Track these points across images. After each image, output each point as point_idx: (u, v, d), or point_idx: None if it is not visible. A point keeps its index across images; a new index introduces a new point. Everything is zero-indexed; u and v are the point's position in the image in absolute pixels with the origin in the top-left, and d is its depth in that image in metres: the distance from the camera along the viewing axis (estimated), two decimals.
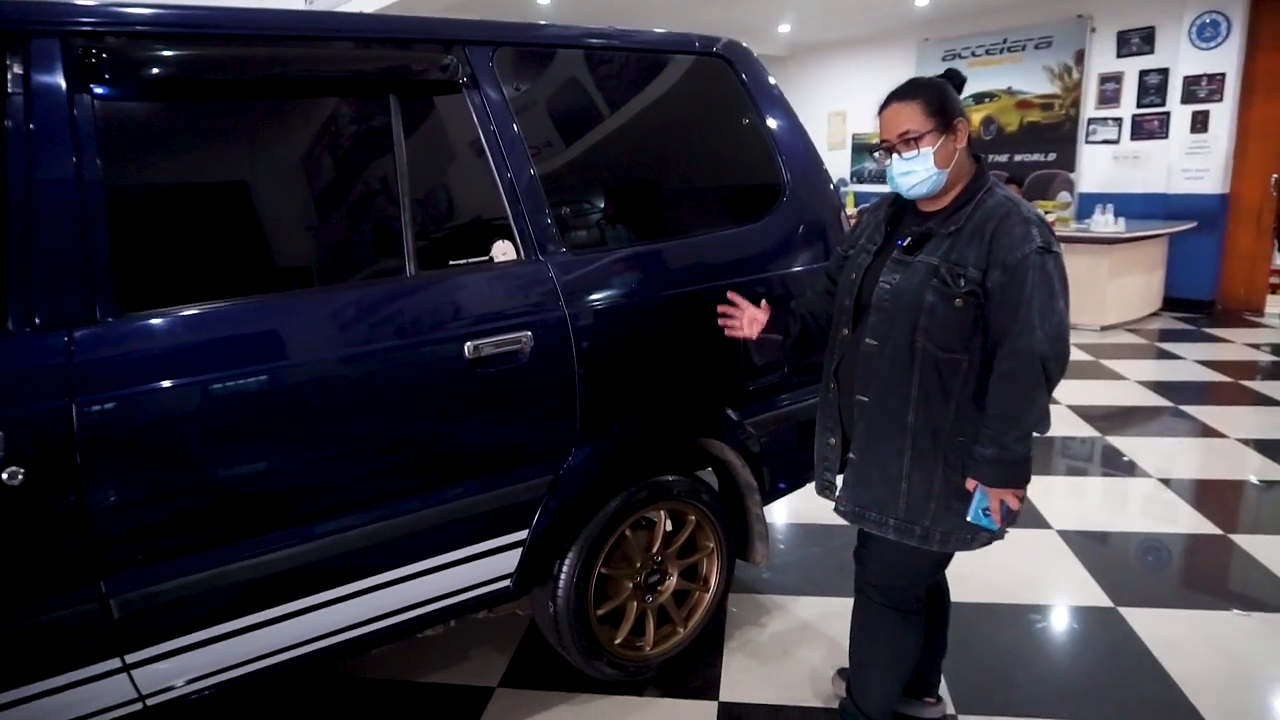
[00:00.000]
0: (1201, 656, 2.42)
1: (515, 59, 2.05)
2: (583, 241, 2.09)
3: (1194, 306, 7.44)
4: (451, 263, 1.90)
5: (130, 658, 1.57)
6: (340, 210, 1.85)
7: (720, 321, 2.06)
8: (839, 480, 1.94)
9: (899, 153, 1.71)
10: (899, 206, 1.87)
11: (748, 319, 2.01)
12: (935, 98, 1.71)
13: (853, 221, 2.21)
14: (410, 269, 1.84)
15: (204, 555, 1.60)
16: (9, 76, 1.47)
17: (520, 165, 1.98)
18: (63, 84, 1.51)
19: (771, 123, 2.45)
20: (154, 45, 1.59)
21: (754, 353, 2.29)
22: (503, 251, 1.95)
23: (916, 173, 1.70)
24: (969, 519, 1.71)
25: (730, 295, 2.05)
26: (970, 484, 1.70)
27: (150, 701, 1.64)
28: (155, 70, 1.59)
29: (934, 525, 1.75)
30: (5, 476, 1.39)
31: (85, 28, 1.54)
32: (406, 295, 1.82)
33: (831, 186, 2.57)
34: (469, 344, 1.83)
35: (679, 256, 2.22)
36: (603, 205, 2.22)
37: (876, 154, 1.79)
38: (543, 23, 2.13)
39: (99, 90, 1.54)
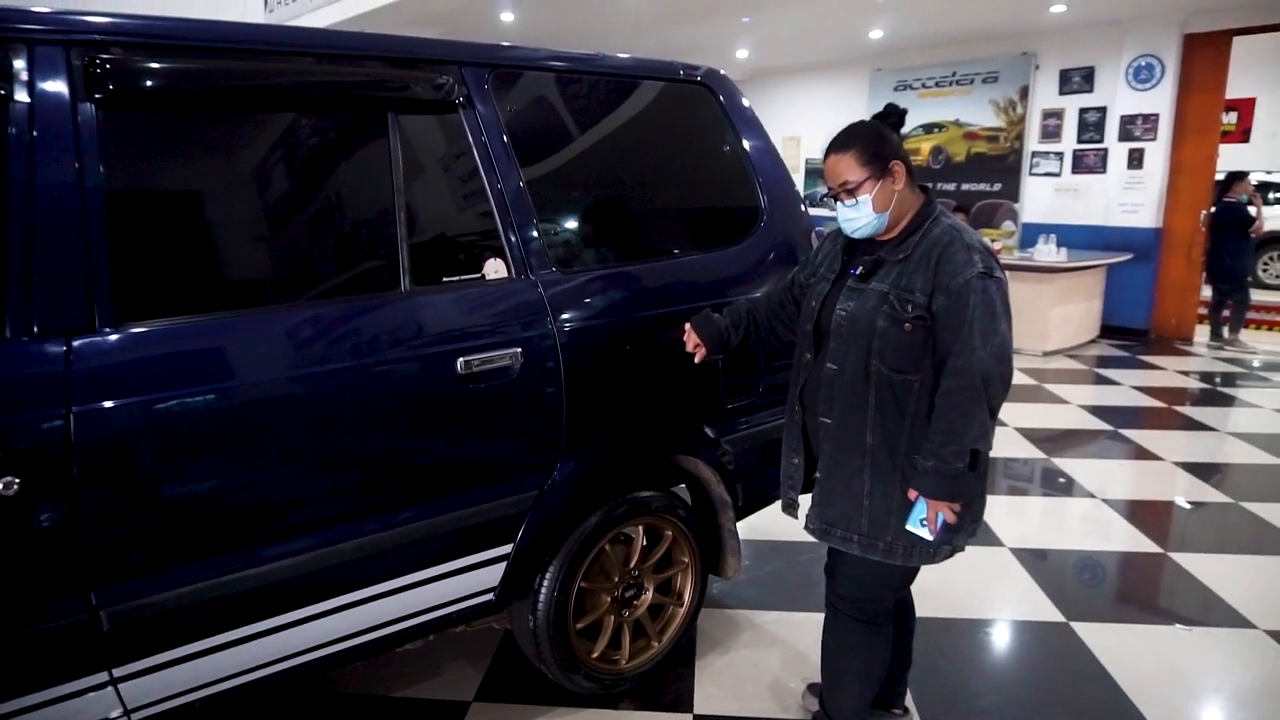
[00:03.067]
0: (1150, 669, 2.55)
1: (509, 81, 2.10)
2: (571, 261, 2.14)
3: (1129, 334, 7.76)
4: (445, 279, 1.93)
5: (118, 671, 1.55)
6: (338, 224, 1.87)
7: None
8: (802, 499, 2.02)
9: (841, 201, 1.83)
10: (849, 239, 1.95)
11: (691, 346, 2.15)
12: (868, 146, 1.81)
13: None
14: (405, 284, 1.86)
15: (197, 567, 1.59)
16: (13, 84, 1.46)
17: (512, 185, 2.02)
18: (66, 93, 1.51)
19: (750, 148, 2.53)
20: (158, 57, 1.60)
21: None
22: (494, 269, 1.99)
23: (858, 219, 1.82)
24: (907, 526, 1.79)
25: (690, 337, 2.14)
26: (912, 494, 1.78)
27: (135, 716, 1.62)
28: (159, 82, 1.59)
29: (896, 539, 1.82)
30: (1, 486, 1.38)
31: (91, 37, 1.54)
32: (401, 311, 1.83)
33: (802, 208, 2.67)
34: (461, 360, 1.85)
35: (663, 277, 2.28)
36: (591, 226, 2.27)
37: (825, 199, 1.91)
38: (536, 48, 2.17)
39: (102, 100, 1.54)
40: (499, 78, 2.06)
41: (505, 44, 2.11)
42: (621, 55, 2.35)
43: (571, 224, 2.20)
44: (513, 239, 2.00)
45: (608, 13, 7.45)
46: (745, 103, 2.59)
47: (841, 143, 1.83)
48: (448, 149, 1.99)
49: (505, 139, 2.03)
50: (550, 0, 7.09)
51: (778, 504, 2.19)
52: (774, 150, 2.61)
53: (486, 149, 2.00)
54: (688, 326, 2.15)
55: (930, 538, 1.78)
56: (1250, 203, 7.22)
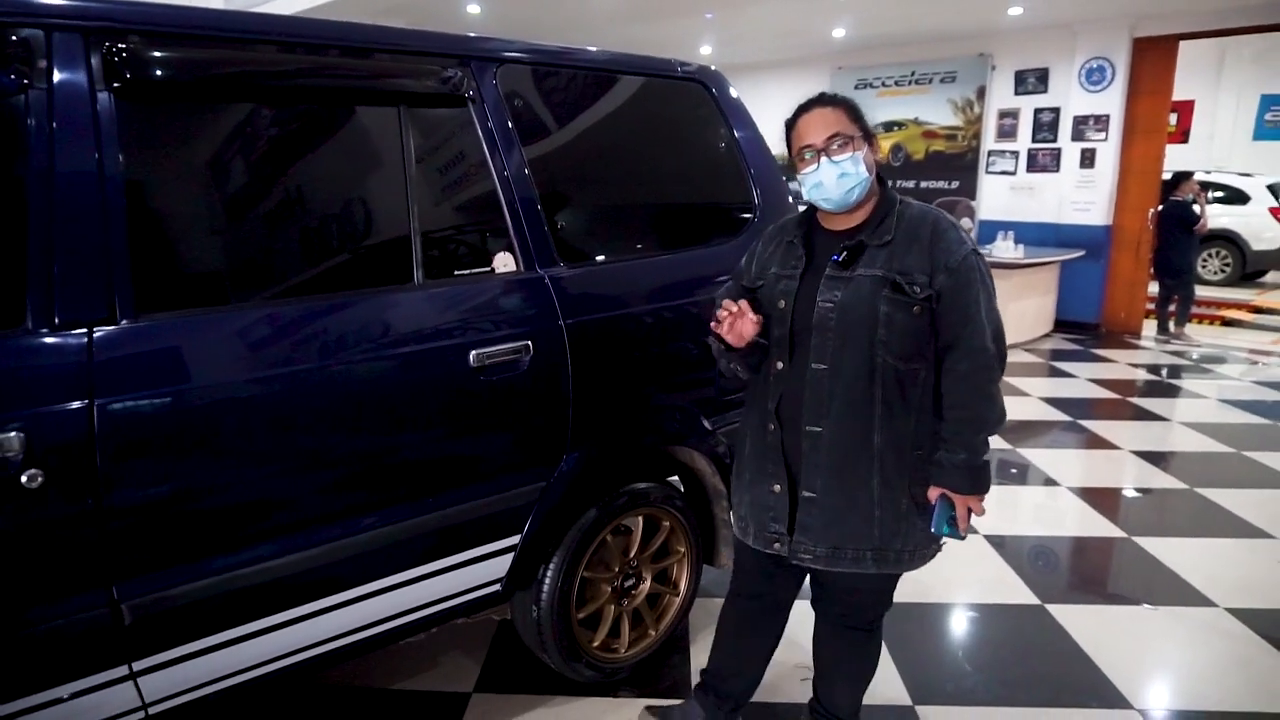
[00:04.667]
0: (1122, 646, 2.67)
1: (516, 76, 2.11)
2: (577, 254, 2.16)
3: (1081, 328, 8.02)
4: (456, 273, 1.95)
5: (137, 665, 1.55)
6: (353, 217, 1.87)
7: (723, 323, 1.72)
8: (788, 528, 1.79)
9: (830, 156, 1.65)
10: (804, 229, 1.80)
11: (750, 320, 1.71)
12: (855, 109, 1.71)
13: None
14: (418, 277, 1.87)
15: (220, 559, 1.59)
16: (32, 72, 1.44)
17: (520, 179, 2.04)
18: (85, 81, 1.49)
19: (744, 144, 2.58)
20: (178, 46, 1.58)
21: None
22: (504, 263, 2.00)
23: (851, 175, 1.65)
24: (933, 530, 1.70)
25: (731, 304, 1.72)
26: (933, 494, 1.69)
27: (152, 710, 1.61)
28: (178, 71, 1.58)
29: (905, 545, 1.73)
30: (25, 479, 1.37)
31: (110, 24, 1.52)
32: (415, 303, 1.84)
33: (790, 201, 2.73)
34: (474, 352, 1.87)
35: (664, 271, 2.32)
36: (595, 220, 2.29)
37: (803, 158, 1.68)
38: (542, 43, 2.19)
39: (121, 88, 1.52)
40: (506, 72, 2.08)
41: (512, 39, 2.12)
42: (622, 52, 2.38)
43: (576, 218, 2.22)
44: (521, 233, 2.02)
45: (572, 7, 7.44)
46: (737, 98, 2.64)
47: (829, 99, 1.72)
48: (457, 143, 2.00)
49: (513, 133, 2.05)
50: None
51: None
52: (765, 145, 2.66)
53: (495, 143, 2.01)
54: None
55: (962, 537, 1.69)
56: (1195, 201, 7.50)
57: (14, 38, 1.44)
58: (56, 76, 1.46)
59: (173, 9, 1.59)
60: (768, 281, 1.78)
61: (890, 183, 1.83)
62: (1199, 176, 11.10)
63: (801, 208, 1.90)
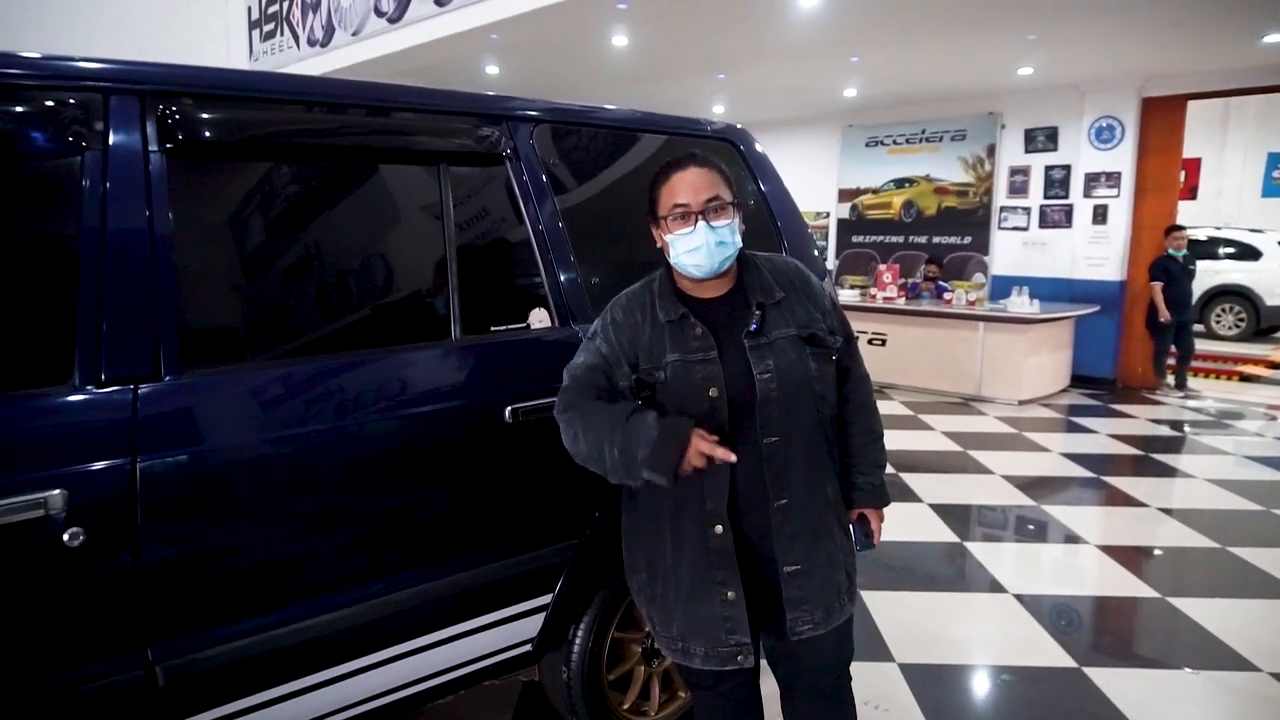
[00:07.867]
0: (1165, 713, 2.59)
1: (551, 135, 2.15)
2: None
3: (1097, 384, 7.98)
4: (492, 328, 1.95)
5: None
6: (395, 273, 1.88)
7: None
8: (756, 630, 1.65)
9: (708, 220, 1.56)
10: (684, 302, 1.65)
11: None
12: (729, 174, 1.63)
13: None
14: (455, 333, 1.87)
15: (254, 619, 1.56)
16: (89, 134, 1.47)
17: (555, 236, 2.06)
18: (139, 142, 1.52)
19: (771, 198, 2.60)
20: (230, 108, 1.62)
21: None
22: (539, 318, 2.01)
23: (729, 244, 1.58)
24: (858, 549, 1.76)
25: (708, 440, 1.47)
26: (854, 514, 1.73)
27: None
28: (228, 132, 1.61)
29: (854, 575, 1.73)
30: (66, 538, 1.35)
31: (167, 88, 1.55)
32: (453, 359, 1.85)
33: (815, 252, 2.74)
34: (509, 408, 1.87)
35: None
36: (630, 277, 2.29)
37: (676, 217, 1.58)
38: (577, 103, 2.23)
39: (173, 150, 1.55)
40: (542, 131, 2.11)
41: (546, 99, 2.16)
42: (652, 111, 2.42)
43: (611, 274, 2.23)
44: (555, 289, 2.03)
45: (588, 69, 7.61)
46: (763, 153, 2.68)
47: (706, 159, 1.62)
48: (494, 200, 2.02)
49: (547, 191, 2.07)
50: (532, 55, 7.24)
51: None
52: (790, 198, 2.69)
53: (531, 200, 2.04)
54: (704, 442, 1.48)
55: (874, 547, 1.77)
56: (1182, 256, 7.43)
57: (72, 101, 1.47)
58: (112, 139, 1.49)
59: (227, 73, 1.64)
60: (671, 370, 1.57)
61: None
62: (1209, 232, 11.19)
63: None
